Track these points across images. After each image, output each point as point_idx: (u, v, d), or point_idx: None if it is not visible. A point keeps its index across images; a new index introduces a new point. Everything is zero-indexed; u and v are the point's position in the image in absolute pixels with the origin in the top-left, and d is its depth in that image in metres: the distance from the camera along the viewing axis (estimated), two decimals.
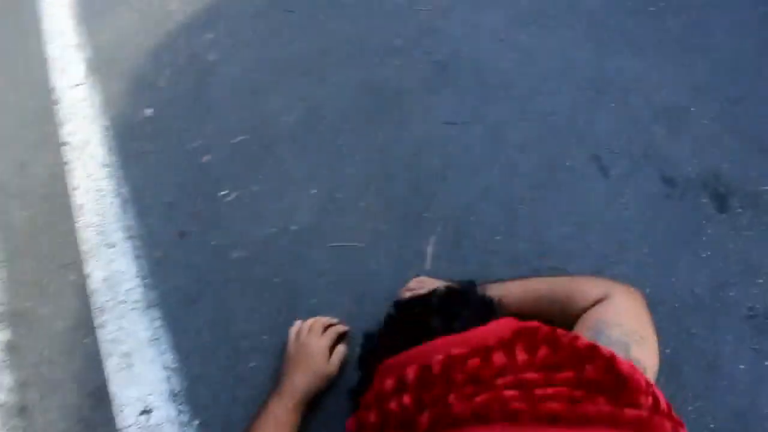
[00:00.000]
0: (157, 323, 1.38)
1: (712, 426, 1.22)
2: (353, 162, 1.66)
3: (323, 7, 2.14)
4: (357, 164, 1.66)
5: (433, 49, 1.96)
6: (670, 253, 1.44)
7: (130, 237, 1.53)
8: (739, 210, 1.49)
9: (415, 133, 1.72)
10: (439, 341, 0.96)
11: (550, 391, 0.87)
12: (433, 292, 1.09)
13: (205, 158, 1.68)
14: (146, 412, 1.26)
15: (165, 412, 1.26)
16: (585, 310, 1.16)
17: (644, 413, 0.85)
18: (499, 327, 0.98)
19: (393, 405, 0.91)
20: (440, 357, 0.92)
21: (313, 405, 1.22)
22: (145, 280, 1.45)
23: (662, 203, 1.52)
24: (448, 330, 0.98)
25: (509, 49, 1.94)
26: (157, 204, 1.59)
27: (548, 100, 1.76)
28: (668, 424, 0.87)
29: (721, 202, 1.51)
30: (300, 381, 1.20)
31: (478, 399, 0.86)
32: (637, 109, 1.72)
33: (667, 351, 1.29)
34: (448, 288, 1.10)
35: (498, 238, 1.49)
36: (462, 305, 1.04)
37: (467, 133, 1.71)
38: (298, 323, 1.32)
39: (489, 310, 1.05)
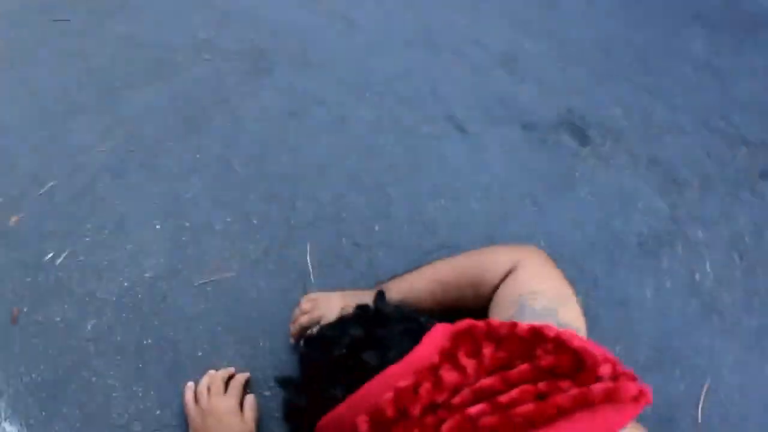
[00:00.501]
0: None
1: (638, 360, 1.22)
2: (192, 182, 1.45)
3: (103, 13, 1.85)
4: (197, 184, 1.45)
5: (244, 34, 1.77)
6: (552, 200, 1.41)
7: None
8: (599, 140, 1.49)
9: (252, 132, 1.54)
10: (380, 378, 0.83)
11: (514, 393, 0.79)
12: (345, 322, 0.95)
13: (15, 219, 1.39)
14: None
15: None
16: (497, 286, 1.09)
17: (610, 384, 0.81)
18: (435, 339, 0.87)
19: None
20: (389, 395, 0.80)
21: None
22: None
23: (528, 150, 1.48)
24: (384, 363, 0.86)
25: (327, 21, 1.80)
26: None
27: (385, 68, 1.66)
28: (632, 385, 0.84)
29: (582, 136, 1.50)
30: None
31: (445, 427, 0.76)
32: (475, 59, 1.67)
33: (580, 298, 1.25)
34: (360, 310, 0.97)
35: (377, 227, 1.38)
36: (386, 328, 0.91)
37: (310, 120, 1.56)
38: (190, 387, 1.13)
39: (416, 323, 0.94)
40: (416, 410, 0.79)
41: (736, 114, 1.51)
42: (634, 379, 0.86)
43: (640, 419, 0.88)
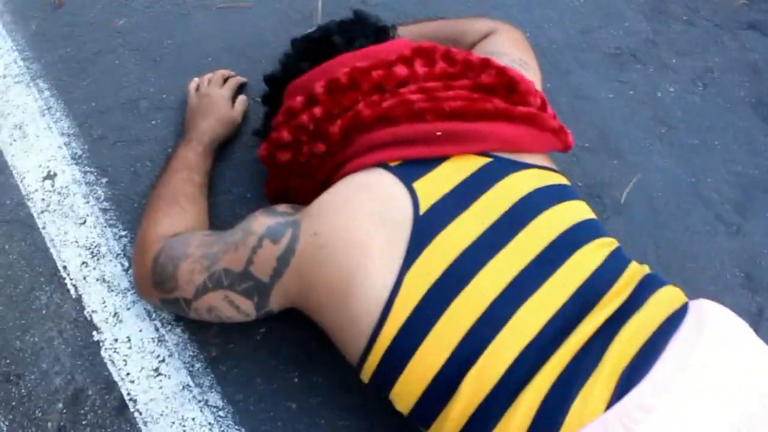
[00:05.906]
0: (46, 93, 1.33)
1: (582, 143, 1.37)
2: None
3: None
4: None
5: None
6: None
7: None
8: None
9: None
10: (342, 57, 1.00)
11: (450, 93, 0.94)
12: (327, 25, 1.12)
13: None
14: (49, 177, 1.24)
15: (69, 174, 1.24)
16: (475, 43, 1.24)
17: (534, 110, 0.96)
18: (398, 45, 1.03)
19: (304, 118, 0.96)
20: (346, 69, 0.96)
21: (221, 155, 1.25)
22: (24, 54, 1.38)
23: None
24: (349, 48, 1.03)
25: None
26: None
27: None
28: (555, 122, 0.99)
29: None
30: (206, 126, 1.20)
31: (385, 104, 0.93)
32: None
33: (548, 85, 1.40)
34: (341, 20, 1.13)
35: None
36: (359, 28, 1.08)
37: None
38: (195, 80, 1.32)
39: (385, 32, 1.10)
40: (366, 86, 0.96)
41: None
42: (564, 130, 1.01)
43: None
